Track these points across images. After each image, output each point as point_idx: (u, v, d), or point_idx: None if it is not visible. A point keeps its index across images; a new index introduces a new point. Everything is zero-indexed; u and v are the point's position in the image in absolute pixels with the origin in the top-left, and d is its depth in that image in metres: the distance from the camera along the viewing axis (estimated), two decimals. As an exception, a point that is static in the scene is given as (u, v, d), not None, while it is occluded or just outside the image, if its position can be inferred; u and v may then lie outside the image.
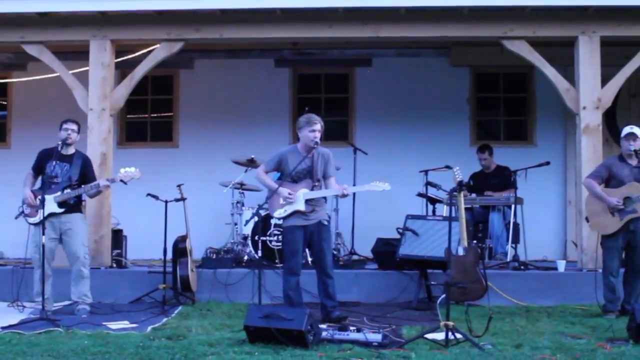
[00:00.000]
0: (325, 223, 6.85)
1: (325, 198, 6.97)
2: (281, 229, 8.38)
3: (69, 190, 7.19)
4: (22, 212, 7.27)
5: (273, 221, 8.46)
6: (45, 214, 7.05)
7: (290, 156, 6.81)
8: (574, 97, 8.26)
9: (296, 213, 6.74)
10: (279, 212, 6.81)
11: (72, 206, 7.29)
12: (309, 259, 7.85)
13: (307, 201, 6.73)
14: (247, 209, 8.80)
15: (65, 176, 7.25)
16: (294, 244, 6.76)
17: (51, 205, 7.12)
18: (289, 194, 6.72)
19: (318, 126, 6.73)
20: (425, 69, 10.38)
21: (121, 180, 7.26)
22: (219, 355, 5.32)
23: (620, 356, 5.26)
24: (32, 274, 7.37)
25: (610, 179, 7.10)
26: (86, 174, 7.35)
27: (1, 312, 7.23)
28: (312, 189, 6.79)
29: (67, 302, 7.67)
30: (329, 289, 6.79)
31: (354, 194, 8.79)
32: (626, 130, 7.08)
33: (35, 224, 7.11)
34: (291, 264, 6.78)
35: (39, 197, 7.05)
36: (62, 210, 7.18)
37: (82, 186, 7.24)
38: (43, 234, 6.89)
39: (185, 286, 7.84)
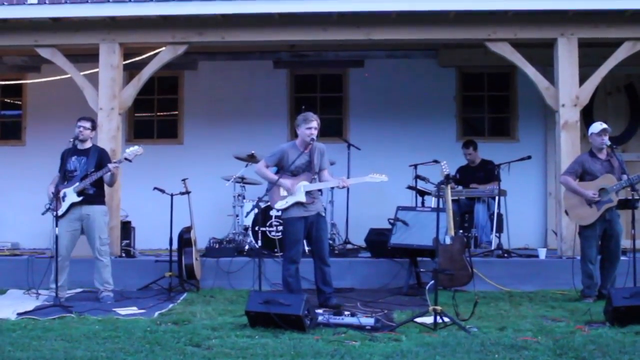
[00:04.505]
0: (323, 214, 6.86)
1: (321, 191, 6.94)
2: (280, 220, 8.40)
3: (86, 180, 7.11)
4: (49, 208, 7.10)
5: (272, 213, 8.44)
6: (67, 206, 7.03)
7: (290, 152, 6.79)
8: (554, 95, 8.25)
9: (296, 205, 6.72)
10: (280, 204, 6.76)
11: (92, 197, 7.14)
12: (306, 249, 7.80)
13: (307, 193, 6.71)
14: (247, 202, 8.78)
15: (83, 168, 7.15)
16: (296, 234, 6.73)
17: (71, 195, 7.06)
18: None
19: (314, 123, 6.70)
20: (414, 69, 10.35)
21: (126, 159, 7.19)
22: (222, 338, 5.30)
23: (597, 338, 5.25)
24: (46, 263, 7.34)
25: (583, 174, 7.08)
26: (102, 164, 7.19)
27: (17, 299, 7.20)
28: (311, 182, 6.78)
29: (79, 290, 7.67)
30: (326, 276, 6.78)
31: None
32: (599, 126, 7.01)
33: (60, 217, 7.00)
34: (292, 253, 6.74)
35: (61, 190, 7.02)
36: (81, 199, 7.06)
37: (96, 173, 7.10)
38: (56, 225, 6.86)
39: (190, 274, 7.81)
